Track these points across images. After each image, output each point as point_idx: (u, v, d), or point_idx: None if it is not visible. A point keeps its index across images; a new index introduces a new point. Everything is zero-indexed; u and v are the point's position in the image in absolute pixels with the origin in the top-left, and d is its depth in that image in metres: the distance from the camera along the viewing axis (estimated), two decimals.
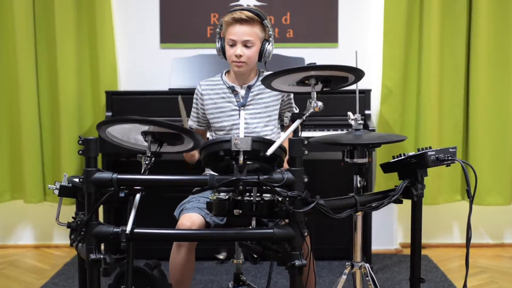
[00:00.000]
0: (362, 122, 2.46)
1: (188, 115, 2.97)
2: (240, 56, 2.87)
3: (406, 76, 4.33)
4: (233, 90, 2.99)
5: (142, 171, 2.27)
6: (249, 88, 2.98)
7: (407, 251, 3.69)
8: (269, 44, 2.93)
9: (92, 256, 2.14)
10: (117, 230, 2.14)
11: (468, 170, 2.44)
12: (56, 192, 2.33)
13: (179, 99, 2.59)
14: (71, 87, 4.31)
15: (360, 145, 2.40)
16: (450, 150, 2.42)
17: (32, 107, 4.34)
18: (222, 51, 2.96)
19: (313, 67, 2.27)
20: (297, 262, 2.12)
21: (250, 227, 2.23)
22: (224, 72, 3.06)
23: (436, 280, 3.85)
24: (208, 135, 3.11)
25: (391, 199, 2.39)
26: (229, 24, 2.89)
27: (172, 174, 2.20)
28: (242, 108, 2.95)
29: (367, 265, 2.55)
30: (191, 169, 2.93)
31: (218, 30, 2.96)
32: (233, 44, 2.89)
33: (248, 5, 4.14)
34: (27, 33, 4.30)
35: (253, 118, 2.96)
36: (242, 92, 2.99)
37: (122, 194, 2.18)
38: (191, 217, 2.67)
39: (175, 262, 2.72)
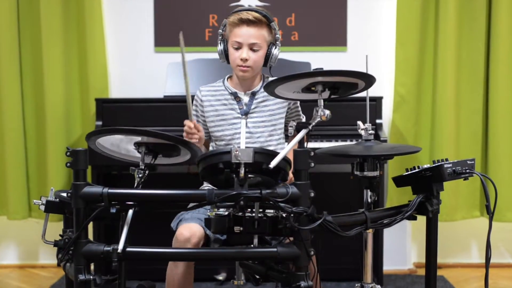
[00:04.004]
0: (373, 132, 2.46)
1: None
2: (246, 60, 2.89)
3: (420, 82, 4.34)
4: (235, 96, 2.99)
5: (135, 185, 2.28)
6: (253, 94, 2.99)
7: (422, 272, 3.69)
8: (275, 48, 2.95)
9: (81, 277, 2.14)
10: (108, 248, 2.14)
11: (488, 184, 2.44)
12: (42, 207, 2.33)
13: (180, 36, 2.57)
14: (58, 94, 4.32)
15: (371, 157, 2.41)
16: (468, 162, 2.43)
17: (16, 116, 4.35)
18: (225, 54, 2.97)
19: (320, 72, 2.27)
20: (302, 284, 2.12)
21: (252, 245, 2.23)
22: (226, 77, 3.07)
23: None
24: (210, 146, 3.11)
25: (404, 216, 2.39)
26: (235, 25, 2.90)
27: (168, 188, 2.20)
28: (245, 116, 2.95)
29: (378, 286, 2.55)
30: (188, 183, 2.93)
31: (220, 31, 2.97)
32: (239, 47, 2.90)
33: (249, 6, 4.16)
34: (10, 35, 4.31)
35: (257, 127, 2.97)
36: (245, 99, 3.00)
37: (113, 210, 2.18)
38: (190, 227, 2.67)
39: (172, 279, 2.72)
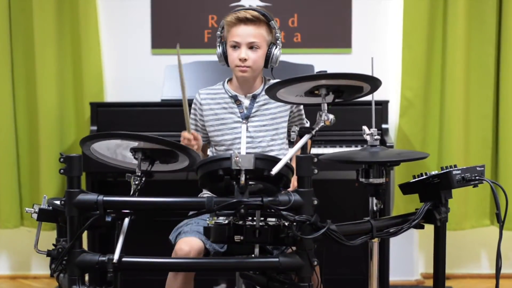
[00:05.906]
0: (378, 137, 2.46)
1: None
2: (245, 60, 2.88)
3: (428, 86, 4.33)
4: (236, 100, 2.99)
5: (131, 193, 2.27)
6: (254, 97, 2.99)
7: (430, 283, 3.68)
8: (276, 48, 2.94)
9: None
10: (103, 258, 2.14)
11: (498, 191, 2.44)
12: (35, 216, 2.33)
13: (177, 48, 2.57)
14: (52, 98, 4.31)
15: (377, 163, 2.40)
16: (478, 168, 2.43)
17: (7, 120, 4.34)
18: (224, 57, 2.96)
19: (323, 75, 2.27)
20: None
21: (253, 255, 2.23)
22: (226, 80, 3.07)
23: None
24: (209, 151, 3.11)
25: (411, 224, 2.39)
26: (232, 25, 2.90)
27: (165, 195, 2.20)
28: (246, 120, 2.95)
29: None
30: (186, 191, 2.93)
31: (218, 33, 2.97)
32: (237, 46, 2.90)
33: (250, 6, 4.16)
34: (1, 37, 4.31)
35: (258, 132, 2.97)
36: (246, 102, 2.99)
37: (108, 219, 2.19)
38: (189, 242, 2.66)
39: None
